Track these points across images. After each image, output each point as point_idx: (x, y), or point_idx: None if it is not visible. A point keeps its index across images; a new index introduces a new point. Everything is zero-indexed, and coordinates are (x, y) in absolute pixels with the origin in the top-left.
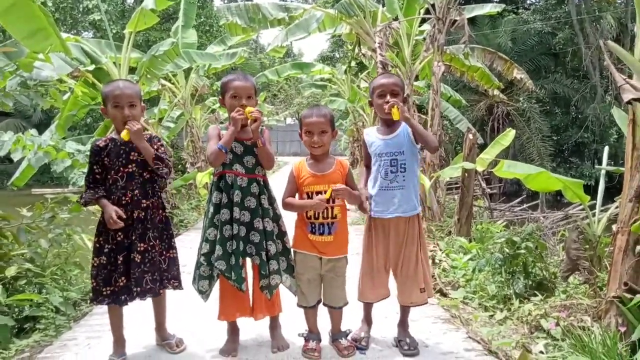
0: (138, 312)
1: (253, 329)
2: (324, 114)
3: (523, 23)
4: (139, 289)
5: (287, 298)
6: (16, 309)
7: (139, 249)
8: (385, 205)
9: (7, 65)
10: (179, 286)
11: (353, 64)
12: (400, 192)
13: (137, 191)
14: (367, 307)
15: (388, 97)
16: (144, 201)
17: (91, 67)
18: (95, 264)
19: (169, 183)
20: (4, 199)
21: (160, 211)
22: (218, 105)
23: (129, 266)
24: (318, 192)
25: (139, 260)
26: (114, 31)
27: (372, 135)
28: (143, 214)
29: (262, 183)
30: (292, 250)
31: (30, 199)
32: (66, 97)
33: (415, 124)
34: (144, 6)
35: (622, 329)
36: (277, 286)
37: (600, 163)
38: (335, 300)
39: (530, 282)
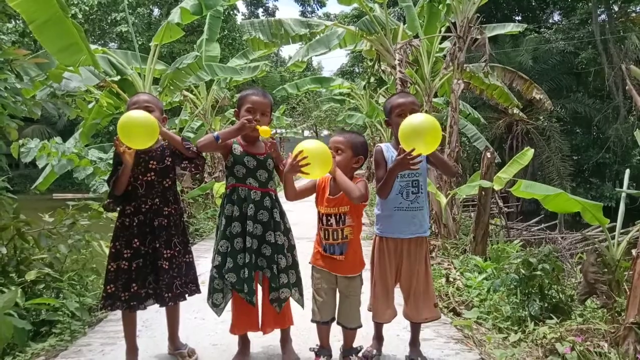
0: (151, 321)
1: (264, 341)
2: (341, 136)
3: (545, 42)
4: (170, 294)
5: (299, 312)
6: (33, 313)
7: (165, 255)
8: (404, 225)
9: (38, 76)
10: (196, 290)
11: (372, 79)
12: (420, 213)
13: (157, 199)
14: (378, 325)
15: (408, 114)
16: (165, 209)
17: (117, 78)
18: (112, 269)
19: (201, 170)
20: (27, 203)
21: (179, 217)
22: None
23: (146, 273)
24: (328, 215)
25: (167, 267)
26: (140, 42)
27: (392, 154)
28: (166, 221)
29: (274, 197)
30: (309, 265)
31: (52, 203)
32: (91, 106)
33: (437, 154)
34: (170, 20)
35: None
36: (286, 299)
37: (621, 184)
38: (348, 321)
39: (546, 305)
